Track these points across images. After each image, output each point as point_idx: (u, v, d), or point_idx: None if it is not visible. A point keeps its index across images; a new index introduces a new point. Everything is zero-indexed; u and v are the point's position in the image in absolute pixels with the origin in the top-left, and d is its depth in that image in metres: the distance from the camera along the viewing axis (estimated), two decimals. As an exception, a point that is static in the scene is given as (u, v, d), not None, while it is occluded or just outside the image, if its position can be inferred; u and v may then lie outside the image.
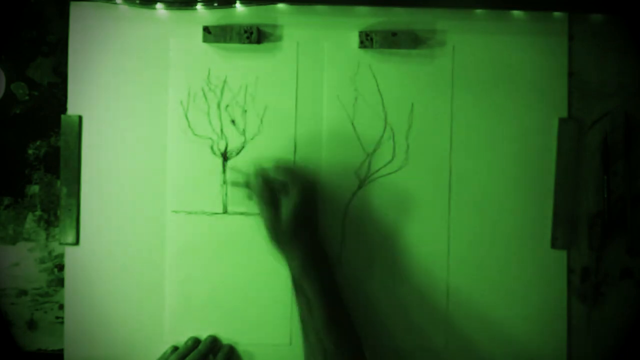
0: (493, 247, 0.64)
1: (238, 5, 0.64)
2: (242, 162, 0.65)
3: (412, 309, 0.64)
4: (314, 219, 0.62)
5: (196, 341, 0.64)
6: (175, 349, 0.64)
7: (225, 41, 0.63)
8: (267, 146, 0.65)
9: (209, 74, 0.65)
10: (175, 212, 0.65)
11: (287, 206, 0.58)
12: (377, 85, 0.64)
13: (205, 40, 0.64)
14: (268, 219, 0.59)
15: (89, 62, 0.65)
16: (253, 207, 0.64)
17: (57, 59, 0.66)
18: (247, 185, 0.63)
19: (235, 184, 0.64)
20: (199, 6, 0.64)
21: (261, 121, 0.65)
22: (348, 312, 0.59)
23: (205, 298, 0.65)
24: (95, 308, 0.65)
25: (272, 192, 0.60)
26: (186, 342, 0.64)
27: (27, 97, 0.66)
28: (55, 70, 0.66)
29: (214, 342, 0.64)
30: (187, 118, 0.65)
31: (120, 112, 0.65)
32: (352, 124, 0.65)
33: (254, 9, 0.65)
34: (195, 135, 0.65)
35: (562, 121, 0.64)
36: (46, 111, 0.66)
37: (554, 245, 0.64)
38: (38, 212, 0.66)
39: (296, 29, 0.65)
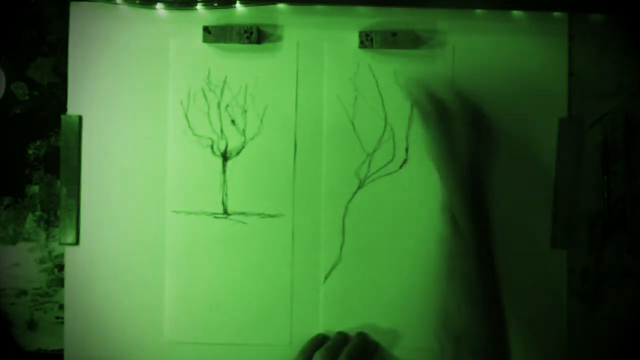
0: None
1: (238, 5, 0.64)
2: (242, 162, 0.65)
3: (412, 309, 0.64)
4: (487, 157, 0.58)
5: (346, 336, 0.63)
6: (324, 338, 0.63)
7: (225, 41, 0.63)
8: (267, 146, 0.65)
9: (209, 74, 0.65)
10: (175, 212, 0.65)
11: (462, 135, 0.56)
12: (377, 85, 0.64)
13: (205, 40, 0.64)
14: (437, 144, 0.57)
15: (89, 62, 0.65)
16: (252, 207, 0.65)
17: (57, 59, 0.66)
18: (417, 104, 0.61)
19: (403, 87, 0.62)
20: (199, 6, 0.64)
21: (261, 121, 0.65)
22: (498, 272, 0.55)
23: (205, 298, 0.65)
24: (95, 308, 0.65)
25: (447, 117, 0.57)
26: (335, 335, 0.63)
27: (27, 97, 0.66)
28: (55, 70, 0.66)
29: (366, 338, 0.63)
30: (187, 118, 0.65)
31: (120, 112, 0.65)
32: (352, 124, 0.65)
33: (254, 9, 0.65)
34: (195, 135, 0.65)
35: (562, 121, 0.64)
36: (46, 111, 0.66)
37: (554, 245, 0.64)
38: (38, 212, 0.66)
39: (296, 29, 0.65)
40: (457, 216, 0.55)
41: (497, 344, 0.53)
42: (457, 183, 0.56)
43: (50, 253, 0.66)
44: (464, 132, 0.56)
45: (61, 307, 0.65)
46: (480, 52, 0.64)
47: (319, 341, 0.62)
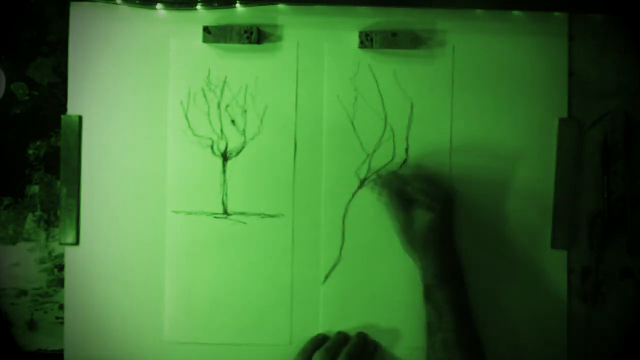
0: (493, 247, 0.64)
1: (238, 5, 0.64)
2: (242, 162, 0.65)
3: (411, 309, 0.64)
4: (452, 232, 0.61)
5: (345, 336, 0.64)
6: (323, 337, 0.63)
7: (225, 41, 0.63)
8: (267, 146, 0.65)
9: (209, 74, 0.65)
10: (175, 212, 0.65)
11: (423, 217, 0.59)
12: (377, 85, 0.64)
13: (205, 40, 0.64)
14: (402, 226, 0.60)
15: (89, 62, 0.65)
16: (252, 207, 0.65)
17: (57, 59, 0.66)
18: (380, 188, 0.63)
19: (370, 185, 0.64)
20: (199, 6, 0.64)
21: (261, 121, 0.65)
22: (477, 329, 0.58)
23: (205, 298, 0.65)
24: (95, 308, 0.65)
25: (406, 199, 0.60)
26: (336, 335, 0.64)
27: (27, 97, 0.66)
28: (55, 70, 0.66)
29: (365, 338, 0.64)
30: (187, 118, 0.65)
31: (120, 112, 0.65)
32: (352, 124, 0.65)
33: (254, 9, 0.65)
34: (195, 135, 0.65)
35: (562, 121, 0.64)
36: (46, 111, 0.66)
37: (554, 245, 0.64)
38: (38, 212, 0.66)
39: (296, 29, 0.65)
40: (435, 296, 0.57)
41: None
42: (427, 263, 0.59)
43: (50, 253, 0.66)
44: (429, 217, 0.59)
45: (61, 307, 0.65)
46: (480, 52, 0.64)
47: (319, 341, 0.62)
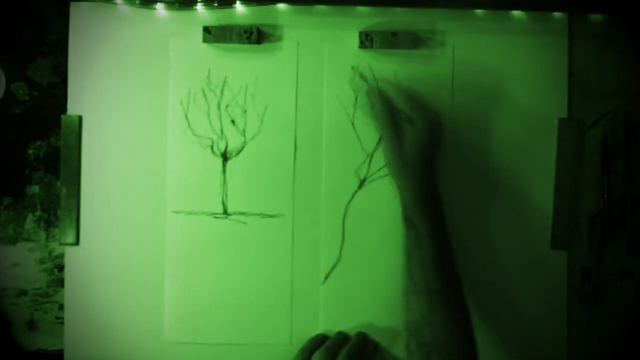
0: (493, 247, 0.64)
1: (238, 5, 0.64)
2: (242, 162, 0.65)
3: (412, 309, 0.64)
4: (435, 155, 0.61)
5: (345, 336, 0.64)
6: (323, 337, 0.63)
7: (225, 41, 0.64)
8: (267, 146, 0.65)
9: (209, 74, 0.65)
10: (175, 212, 0.65)
11: (412, 137, 0.58)
12: (377, 85, 0.64)
13: (205, 40, 0.64)
14: (390, 146, 0.59)
15: (89, 62, 0.65)
16: (252, 207, 0.65)
17: (57, 59, 0.66)
18: (370, 106, 0.62)
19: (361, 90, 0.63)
20: (199, 6, 0.64)
21: (261, 121, 0.65)
22: (454, 255, 0.58)
23: (205, 298, 0.65)
24: (95, 308, 0.65)
25: (395, 119, 0.60)
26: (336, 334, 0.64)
27: (27, 97, 0.66)
28: (55, 70, 0.66)
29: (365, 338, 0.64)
30: (187, 118, 0.65)
31: (120, 112, 0.65)
32: (352, 124, 0.65)
33: (254, 9, 0.65)
34: (195, 135, 0.65)
35: (562, 121, 0.64)
36: (46, 111, 0.66)
37: (554, 245, 0.64)
38: (38, 212, 0.66)
39: (296, 29, 0.65)
40: (413, 219, 0.57)
41: (465, 350, 0.55)
42: (409, 184, 0.58)
43: (50, 253, 0.66)
44: (414, 134, 0.58)
45: (61, 307, 0.65)
46: (480, 52, 0.64)
47: (318, 341, 0.62)
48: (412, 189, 0.58)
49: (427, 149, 0.59)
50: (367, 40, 0.63)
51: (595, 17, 0.65)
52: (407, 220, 0.58)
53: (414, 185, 0.58)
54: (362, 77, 0.63)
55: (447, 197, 0.64)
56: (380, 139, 0.64)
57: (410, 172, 0.58)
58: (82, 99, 0.65)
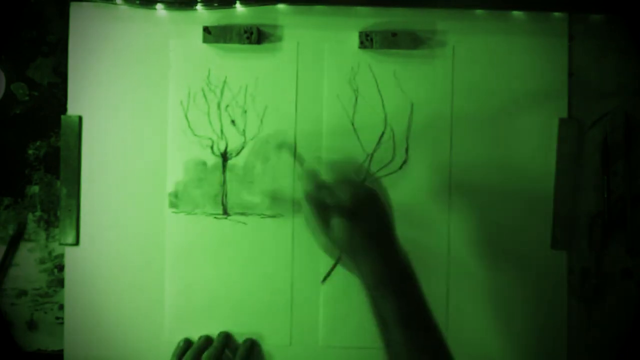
0: (493, 248, 0.64)
1: (238, 5, 0.64)
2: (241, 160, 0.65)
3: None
4: (383, 234, 0.54)
5: (208, 339, 0.64)
6: (188, 342, 0.64)
7: (225, 41, 0.63)
8: (267, 146, 0.65)
9: (209, 74, 0.65)
10: (175, 212, 0.65)
11: (339, 224, 0.53)
12: (377, 85, 0.64)
13: (205, 40, 0.63)
14: (324, 238, 0.55)
15: (89, 62, 0.65)
16: (252, 208, 0.64)
17: (57, 59, 0.66)
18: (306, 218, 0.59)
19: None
20: (199, 6, 0.64)
21: (261, 121, 0.65)
22: (439, 335, 0.51)
23: (205, 298, 0.65)
24: (95, 308, 0.65)
25: (324, 201, 0.55)
26: (198, 339, 0.64)
27: (27, 97, 0.66)
28: (55, 70, 0.66)
29: (228, 338, 0.64)
30: (187, 118, 0.65)
31: (120, 112, 0.65)
32: (352, 124, 0.65)
33: (254, 9, 0.65)
34: (195, 135, 0.65)
35: (562, 121, 0.64)
36: (46, 111, 0.66)
37: (554, 245, 0.64)
38: (38, 213, 0.66)
39: (296, 30, 0.65)
40: (378, 307, 0.51)
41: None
42: (363, 268, 0.52)
43: (50, 253, 0.66)
44: (343, 222, 0.53)
45: (61, 307, 0.65)
46: (480, 52, 0.64)
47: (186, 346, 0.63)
48: (366, 275, 0.52)
49: (370, 234, 0.53)
50: (367, 40, 0.63)
51: (595, 17, 0.65)
52: (371, 308, 0.52)
53: (367, 272, 0.52)
54: (299, 157, 0.62)
55: (447, 197, 0.64)
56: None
57: (356, 261, 0.53)
58: (82, 99, 0.65)
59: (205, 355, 0.61)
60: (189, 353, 0.61)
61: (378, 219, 0.54)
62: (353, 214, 0.53)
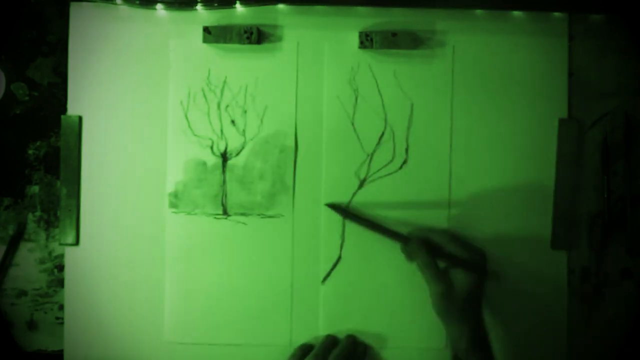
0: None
1: (238, 5, 0.64)
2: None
3: (411, 310, 0.64)
4: (482, 296, 0.60)
5: (334, 340, 0.63)
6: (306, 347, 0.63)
7: (225, 42, 0.63)
8: (267, 146, 0.65)
9: (209, 74, 0.65)
10: (175, 212, 0.65)
11: (464, 281, 0.57)
12: (377, 86, 0.64)
13: (205, 40, 0.63)
14: (441, 292, 0.57)
15: (89, 62, 0.65)
16: (252, 208, 0.65)
17: (57, 59, 0.66)
18: (409, 253, 0.62)
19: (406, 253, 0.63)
20: (199, 6, 0.64)
21: (261, 121, 0.65)
22: None
23: (205, 298, 0.65)
24: (95, 308, 0.65)
25: (437, 262, 0.59)
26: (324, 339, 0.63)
27: (27, 98, 0.66)
28: (55, 70, 0.66)
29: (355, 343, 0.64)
30: (187, 118, 0.65)
31: (120, 112, 0.65)
32: (352, 124, 0.65)
33: (254, 9, 0.65)
34: (195, 135, 0.65)
35: (562, 121, 0.64)
36: (46, 111, 0.66)
37: (554, 245, 0.64)
38: (38, 213, 0.66)
39: (296, 30, 0.65)
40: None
41: None
42: (464, 330, 0.57)
43: (50, 253, 0.66)
44: (466, 278, 0.57)
45: (61, 307, 0.65)
46: (480, 52, 0.64)
47: (307, 348, 0.62)
48: (465, 332, 0.57)
49: (476, 293, 0.58)
50: (367, 40, 0.63)
51: (595, 17, 0.65)
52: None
53: (466, 329, 0.57)
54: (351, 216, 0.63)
55: (446, 196, 0.64)
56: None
57: (461, 317, 0.57)
58: (82, 99, 0.65)
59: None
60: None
61: (484, 282, 0.60)
62: (474, 272, 0.58)
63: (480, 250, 0.60)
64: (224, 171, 0.65)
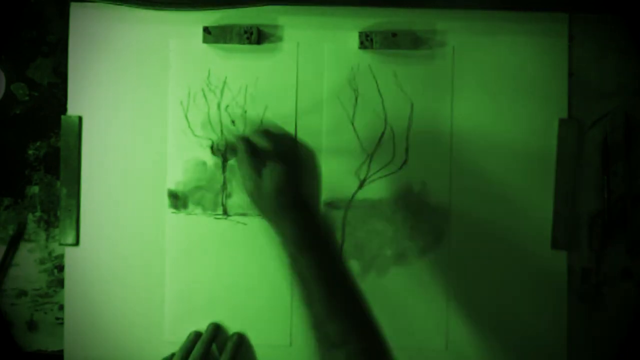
0: (493, 248, 0.64)
1: (238, 5, 0.64)
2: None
3: (412, 310, 0.64)
4: (300, 190, 0.57)
5: (197, 334, 0.63)
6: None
7: (225, 42, 0.63)
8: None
9: (209, 74, 0.65)
10: (175, 212, 0.65)
11: (268, 174, 0.55)
12: (377, 86, 0.64)
13: (205, 40, 0.63)
14: (249, 187, 0.57)
15: (89, 62, 0.65)
16: (252, 208, 0.64)
17: (57, 59, 0.66)
18: (233, 149, 0.61)
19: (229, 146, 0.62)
20: (199, 6, 0.64)
21: (261, 121, 0.65)
22: (358, 297, 0.52)
23: (205, 298, 0.65)
24: (95, 308, 0.65)
25: (256, 159, 0.57)
26: (188, 337, 0.63)
27: (27, 98, 0.66)
28: (55, 70, 0.66)
29: (217, 330, 0.64)
30: (187, 118, 0.65)
31: (120, 112, 0.65)
32: (352, 124, 0.65)
33: (254, 9, 0.65)
34: (195, 135, 0.65)
35: (562, 121, 0.64)
36: (46, 111, 0.66)
37: (554, 245, 0.64)
38: (38, 213, 0.66)
39: (296, 30, 0.65)
40: (295, 266, 0.53)
41: (369, 342, 0.50)
42: (281, 228, 0.55)
43: (50, 254, 0.66)
44: (276, 178, 0.55)
45: (61, 307, 0.65)
46: (480, 52, 0.64)
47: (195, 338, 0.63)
48: (286, 229, 0.54)
49: (287, 186, 0.55)
50: (367, 40, 0.63)
51: (595, 17, 0.65)
52: (291, 267, 0.53)
53: (287, 225, 0.54)
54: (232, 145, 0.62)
55: (447, 196, 0.64)
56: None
57: (277, 212, 0.55)
58: (82, 99, 0.65)
59: (194, 351, 0.61)
60: (178, 353, 0.61)
61: (298, 178, 0.57)
62: (288, 161, 0.55)
63: (291, 138, 0.60)
64: (224, 171, 0.65)
